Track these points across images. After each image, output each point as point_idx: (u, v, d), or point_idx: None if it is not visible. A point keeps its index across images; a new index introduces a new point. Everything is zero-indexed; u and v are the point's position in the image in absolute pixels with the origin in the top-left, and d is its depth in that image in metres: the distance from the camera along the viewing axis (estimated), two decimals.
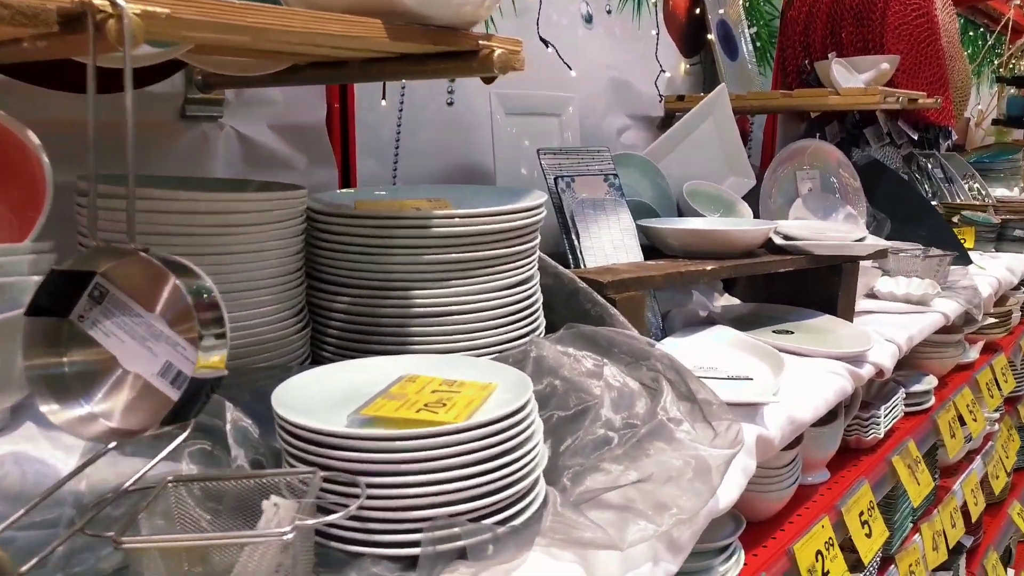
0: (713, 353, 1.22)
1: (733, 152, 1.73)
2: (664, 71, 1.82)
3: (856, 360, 1.22)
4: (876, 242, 1.43)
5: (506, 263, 0.97)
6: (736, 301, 1.60)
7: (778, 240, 1.39)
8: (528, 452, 0.68)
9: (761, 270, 1.31)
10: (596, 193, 1.31)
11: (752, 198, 1.82)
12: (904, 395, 1.56)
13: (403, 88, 1.32)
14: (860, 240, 1.43)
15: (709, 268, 1.23)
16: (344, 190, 1.11)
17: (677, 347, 1.23)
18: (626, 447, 0.78)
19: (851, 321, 1.45)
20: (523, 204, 0.97)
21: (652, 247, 1.35)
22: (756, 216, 1.80)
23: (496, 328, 0.96)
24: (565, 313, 1.13)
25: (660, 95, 1.80)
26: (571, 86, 1.61)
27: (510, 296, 0.97)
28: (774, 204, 1.83)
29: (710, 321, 1.40)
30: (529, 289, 1.01)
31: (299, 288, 0.94)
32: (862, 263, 1.48)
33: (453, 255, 0.92)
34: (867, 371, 1.23)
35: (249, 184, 1.02)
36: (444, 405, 0.69)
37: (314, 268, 0.97)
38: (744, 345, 1.23)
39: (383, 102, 1.28)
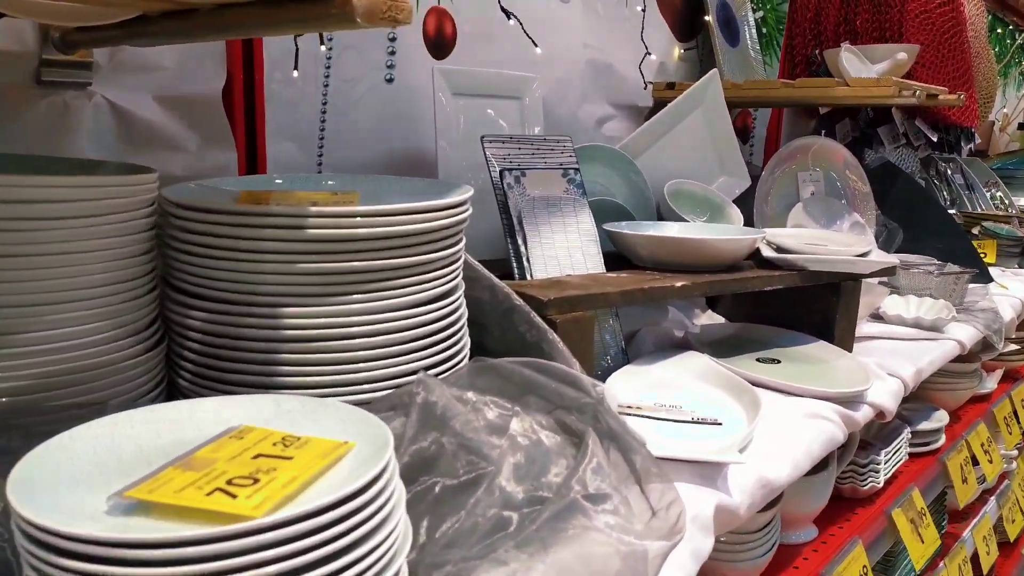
0: (680, 386, 1.02)
1: (725, 148, 1.53)
2: (649, 53, 1.61)
3: (851, 402, 1.02)
4: (883, 258, 1.22)
5: (412, 275, 0.77)
6: (720, 319, 1.40)
7: (767, 252, 1.19)
8: (368, 557, 0.48)
9: (741, 288, 1.11)
10: (552, 190, 1.11)
11: (747, 201, 1.62)
12: (910, 435, 1.35)
13: (328, 58, 1.12)
14: (864, 254, 1.22)
15: (679, 285, 1.03)
16: (231, 178, 0.91)
17: (637, 377, 1.03)
18: (525, 533, 0.58)
19: (850, 349, 1.24)
20: (436, 202, 0.78)
21: (621, 256, 1.15)
22: (750, 222, 1.60)
23: (397, 357, 0.77)
24: (500, 335, 0.93)
25: (645, 81, 1.60)
26: (539, 66, 1.41)
27: (416, 316, 0.78)
28: (771, 209, 1.63)
29: (685, 344, 1.20)
30: (442, 309, 0.81)
31: (145, 299, 0.75)
32: (866, 280, 1.27)
33: (336, 264, 0.72)
34: (864, 414, 1.02)
35: (101, 167, 0.83)
36: (256, 482, 0.50)
37: (169, 274, 0.78)
38: (718, 378, 1.03)
39: (295, 73, 1.08)
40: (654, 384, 1.01)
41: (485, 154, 1.07)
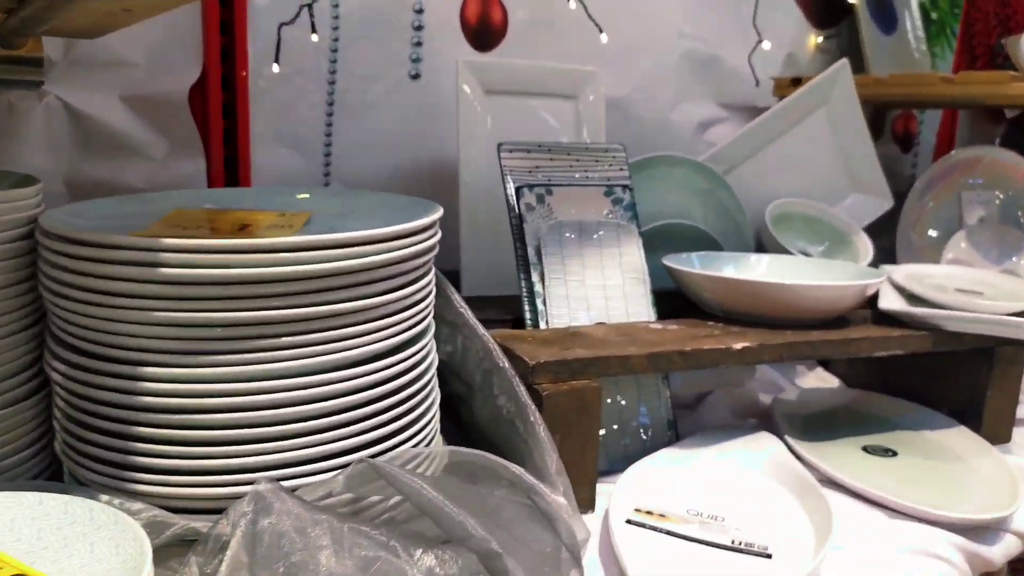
0: (733, 485, 0.75)
1: (858, 159, 1.21)
2: (762, 40, 1.31)
3: (984, 531, 0.71)
4: None
5: (328, 328, 0.58)
6: (832, 381, 1.09)
7: (887, 303, 0.88)
8: None
9: (835, 353, 0.81)
10: (588, 213, 0.87)
11: (891, 229, 1.29)
12: None
13: (334, 50, 0.95)
14: None
15: (738, 348, 0.76)
16: (170, 192, 0.75)
17: (675, 467, 0.77)
18: None
19: (1007, 438, 0.91)
20: (359, 234, 0.58)
21: (690, 301, 0.89)
22: (891, 257, 1.27)
23: (307, 436, 0.57)
24: (480, 406, 0.72)
25: (755, 76, 1.30)
26: (618, 60, 1.17)
27: (322, 386, 0.58)
28: (922, 239, 1.28)
29: (768, 416, 0.92)
30: (375, 374, 0.61)
31: (10, 340, 0.61)
32: None
33: (205, 313, 0.54)
34: (1004, 550, 0.71)
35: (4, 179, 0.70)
36: None
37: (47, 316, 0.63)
38: (791, 477, 0.75)
39: (275, 67, 0.91)
40: (696, 479, 0.75)
41: (501, 166, 0.85)
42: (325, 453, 0.58)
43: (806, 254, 1.14)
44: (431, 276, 0.69)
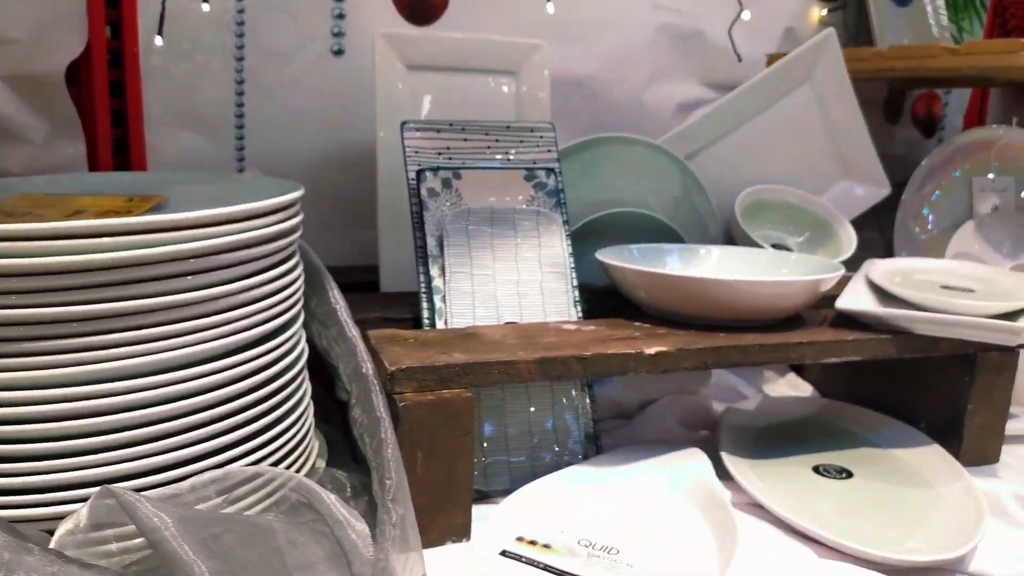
0: (642, 512, 0.65)
1: (849, 140, 1.08)
2: (743, 10, 1.18)
3: (933, 572, 0.59)
4: None
5: (150, 324, 0.50)
6: (804, 388, 0.97)
7: (845, 303, 0.76)
8: None
9: (770, 358, 0.70)
10: (505, 199, 0.78)
11: (888, 217, 1.16)
12: None
13: (240, 23, 0.87)
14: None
15: (651, 352, 0.65)
16: (18, 179, 0.69)
17: (577, 489, 0.67)
18: None
19: (994, 458, 0.78)
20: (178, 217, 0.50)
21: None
22: (889, 252, 1.14)
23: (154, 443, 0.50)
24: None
25: (736, 51, 1.18)
26: (583, 35, 1.07)
27: (162, 387, 0.51)
28: (924, 230, 1.15)
29: (714, 427, 0.81)
30: (220, 374, 0.53)
31: None
32: None
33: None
34: None
35: None
36: None
37: None
38: (710, 505, 0.64)
39: (158, 39, 0.84)
40: (599, 504, 0.65)
41: (403, 147, 0.76)
42: (152, 466, 0.51)
43: (782, 246, 1.02)
44: (289, 266, 0.61)
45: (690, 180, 0.97)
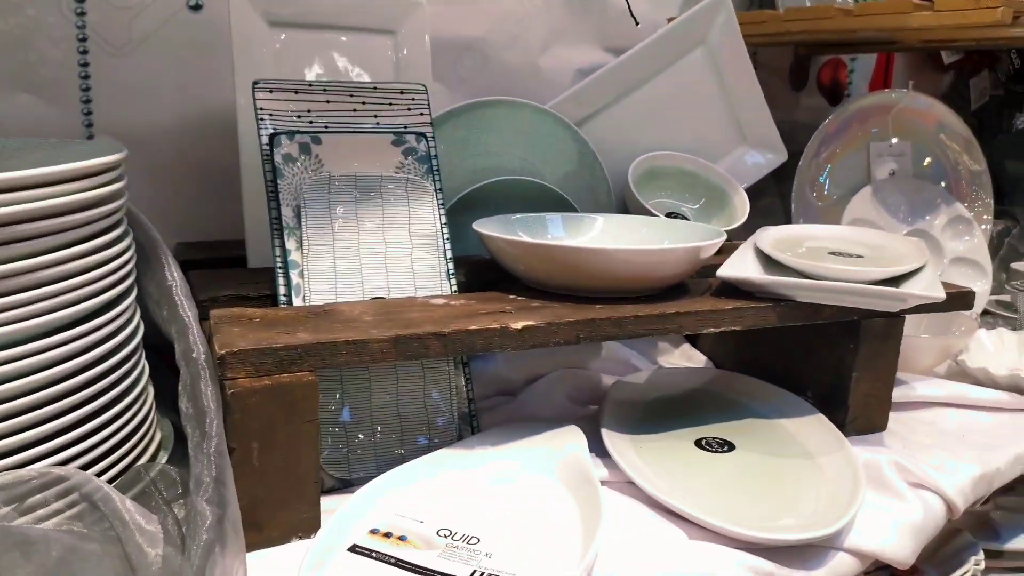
0: (510, 496, 0.61)
1: (746, 107, 1.06)
2: None
3: (806, 553, 0.57)
4: (932, 284, 0.73)
5: None
6: (699, 358, 0.95)
7: (727, 271, 0.74)
8: None
9: (646, 330, 0.66)
10: (372, 166, 0.72)
11: (789, 185, 1.14)
12: (983, 560, 0.84)
13: None
14: (911, 273, 0.74)
15: (517, 327, 0.61)
16: None
17: (439, 472, 0.63)
18: None
19: (882, 425, 0.77)
20: None
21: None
22: (788, 220, 1.12)
23: None
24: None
25: (632, 14, 1.14)
26: None
27: None
28: (822, 197, 1.14)
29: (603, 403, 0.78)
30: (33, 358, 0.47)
31: None
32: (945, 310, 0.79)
33: None
34: (833, 572, 0.57)
35: None
36: None
37: None
38: (581, 485, 0.61)
39: None
40: (464, 489, 0.61)
41: (256, 108, 0.70)
42: None
43: (677, 215, 0.99)
44: (111, 237, 0.55)
45: (582, 146, 0.93)
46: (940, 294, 0.69)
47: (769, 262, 0.77)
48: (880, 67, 1.63)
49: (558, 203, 0.88)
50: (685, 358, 0.95)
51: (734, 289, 0.73)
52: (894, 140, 1.16)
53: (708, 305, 0.69)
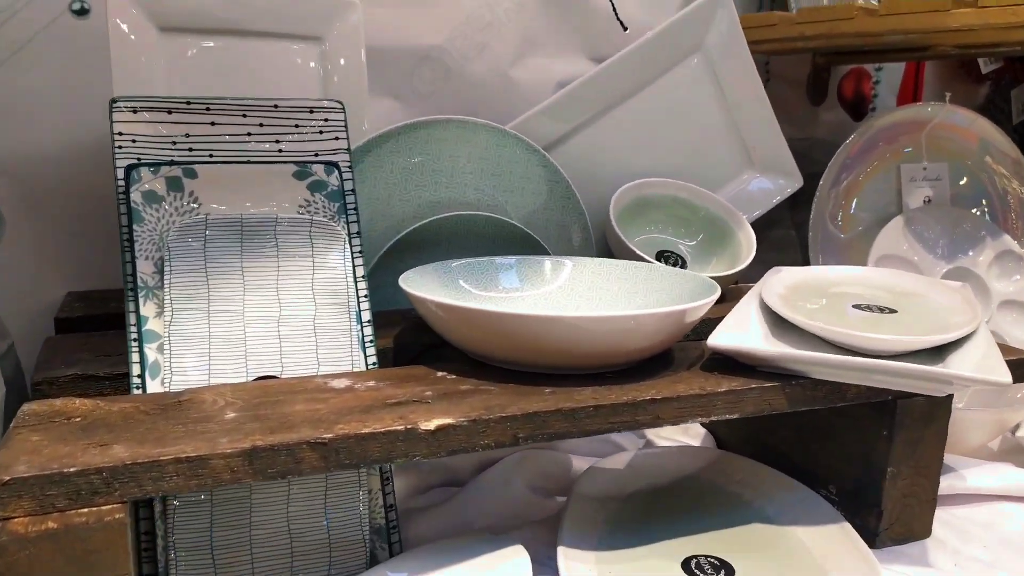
0: None
1: (752, 125, 0.90)
2: None
3: None
4: (992, 363, 0.56)
5: None
6: (698, 431, 0.79)
7: (725, 340, 0.57)
8: None
9: (610, 426, 0.50)
10: (266, 204, 0.57)
11: (805, 213, 0.98)
12: None
13: None
14: (959, 342, 0.57)
15: (428, 428, 0.45)
16: None
17: None
18: None
19: (923, 534, 0.60)
20: None
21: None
22: (805, 256, 0.96)
23: None
24: None
25: (620, 20, 0.97)
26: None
27: None
28: (845, 228, 0.97)
29: (571, 496, 0.61)
30: None
31: None
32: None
33: None
34: None
35: None
36: None
37: None
38: None
39: None
40: None
41: (112, 134, 0.55)
42: None
43: (670, 254, 0.83)
44: None
45: (552, 173, 0.77)
46: (1003, 377, 0.52)
47: (778, 320, 0.61)
48: (909, 77, 1.46)
49: (523, 242, 0.72)
50: (680, 429, 0.78)
51: (729, 360, 0.57)
52: (928, 162, 0.99)
53: (695, 386, 0.52)
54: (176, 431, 0.43)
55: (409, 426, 0.45)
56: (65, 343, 0.60)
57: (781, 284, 0.67)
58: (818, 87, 1.39)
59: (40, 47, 0.71)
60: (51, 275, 0.76)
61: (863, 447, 0.60)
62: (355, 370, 0.55)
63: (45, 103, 0.72)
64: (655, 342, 0.54)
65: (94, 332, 0.65)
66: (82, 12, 0.71)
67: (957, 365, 0.54)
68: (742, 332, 0.58)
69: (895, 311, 0.64)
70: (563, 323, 0.50)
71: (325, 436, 0.43)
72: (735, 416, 0.53)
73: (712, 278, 0.64)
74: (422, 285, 0.58)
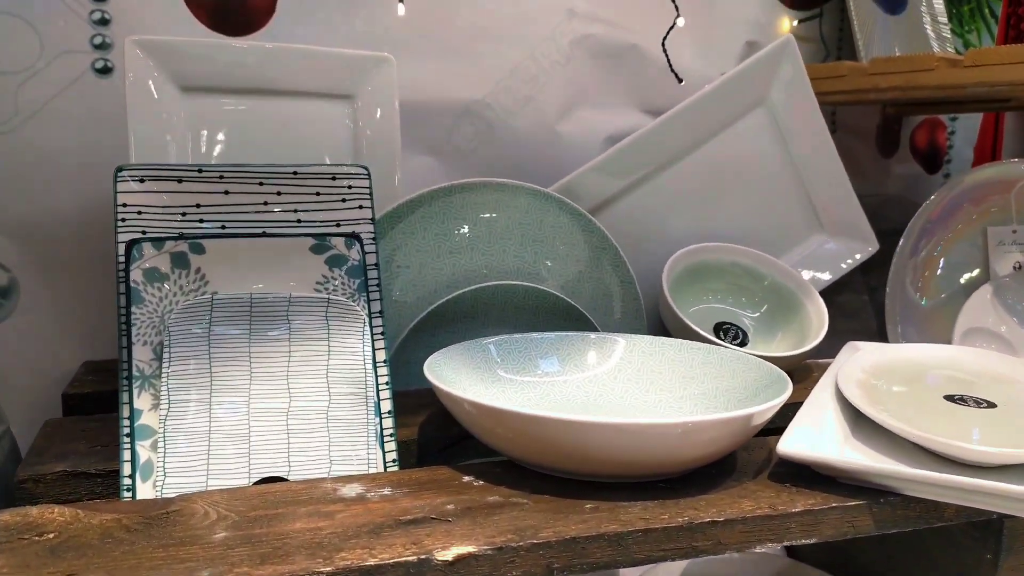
0: None
1: (820, 182, 0.82)
2: (679, 14, 0.92)
3: None
4: None
5: None
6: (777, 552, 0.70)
7: (798, 448, 0.49)
8: None
9: (659, 554, 0.43)
10: (281, 284, 0.52)
11: (877, 278, 0.89)
12: None
13: None
14: None
15: (446, 559, 0.38)
16: None
17: None
18: None
19: None
20: None
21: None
22: (881, 324, 0.87)
23: None
24: None
25: (672, 69, 0.91)
26: (449, 44, 0.82)
27: None
28: (926, 296, 0.88)
29: None
30: None
31: None
32: None
33: None
34: None
35: None
36: None
37: None
38: None
39: None
40: None
41: (115, 205, 0.50)
42: None
43: (731, 326, 0.76)
44: None
45: (598, 239, 0.71)
46: None
47: (859, 415, 0.53)
48: (988, 127, 1.37)
49: (566, 314, 0.66)
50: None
51: (804, 469, 0.49)
52: (1019, 224, 0.89)
53: (764, 504, 0.44)
54: (155, 557, 0.37)
55: (423, 556, 0.38)
56: (63, 428, 0.56)
57: (859, 367, 0.59)
58: (889, 138, 1.30)
59: (61, 107, 0.68)
60: (67, 344, 0.72)
61: (963, 571, 0.51)
62: (371, 471, 0.49)
63: (63, 165, 0.69)
64: (715, 450, 0.46)
65: (99, 413, 0.60)
66: (105, 71, 0.67)
67: None
68: (817, 433, 0.50)
69: (994, 405, 0.55)
70: (609, 430, 0.43)
71: (323, 570, 0.37)
72: (811, 541, 0.45)
73: (780, 357, 0.56)
74: (451, 370, 0.52)
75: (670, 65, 0.89)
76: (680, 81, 0.90)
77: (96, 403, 0.62)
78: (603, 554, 0.41)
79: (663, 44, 0.90)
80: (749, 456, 0.52)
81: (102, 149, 0.69)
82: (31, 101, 0.67)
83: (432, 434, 0.56)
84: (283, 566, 0.37)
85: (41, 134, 0.67)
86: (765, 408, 0.46)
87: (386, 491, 0.45)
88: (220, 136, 0.64)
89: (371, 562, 0.38)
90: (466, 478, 0.47)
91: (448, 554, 0.38)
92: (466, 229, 0.68)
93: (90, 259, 0.71)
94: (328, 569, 0.37)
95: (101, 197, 0.70)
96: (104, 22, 0.67)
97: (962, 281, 0.88)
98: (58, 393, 0.69)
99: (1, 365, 0.69)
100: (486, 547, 0.39)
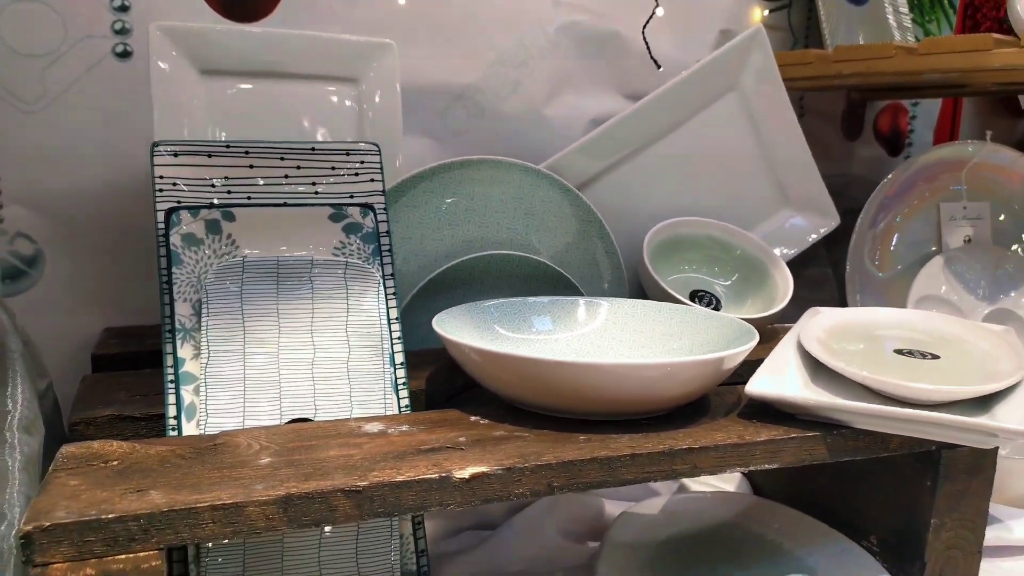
0: None
1: (787, 163, 0.89)
2: (658, 4, 0.98)
3: None
4: None
5: None
6: (733, 476, 0.77)
7: (763, 388, 0.56)
8: None
9: (645, 475, 0.49)
10: (302, 246, 0.57)
11: (842, 250, 0.97)
12: None
13: None
14: (1013, 386, 0.56)
15: (463, 476, 0.45)
16: None
17: None
18: None
19: None
20: None
21: None
22: (842, 294, 0.94)
23: None
24: None
25: (653, 57, 0.98)
26: (443, 32, 0.88)
27: None
28: (883, 268, 0.96)
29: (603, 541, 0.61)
30: None
31: None
32: None
33: None
34: None
35: None
36: None
37: None
38: None
39: None
40: None
41: (153, 177, 0.56)
42: None
43: (704, 293, 0.82)
44: None
45: (584, 212, 0.77)
46: None
47: (818, 366, 0.60)
48: (947, 112, 1.44)
49: (556, 281, 0.72)
50: (716, 476, 0.77)
51: (767, 407, 0.56)
52: (969, 200, 0.97)
53: (733, 435, 0.51)
54: (212, 476, 0.43)
55: (443, 474, 0.44)
56: (101, 382, 0.61)
57: (819, 327, 0.66)
58: (853, 122, 1.38)
59: (84, 88, 0.72)
60: (89, 311, 0.77)
61: (906, 497, 0.58)
62: (388, 413, 0.55)
63: (87, 143, 0.73)
64: (692, 389, 0.53)
65: (130, 370, 0.65)
66: (125, 55, 0.72)
67: (1004, 416, 0.52)
68: (781, 379, 0.57)
69: (938, 357, 0.62)
70: (599, 370, 0.50)
71: (360, 484, 0.43)
72: (774, 466, 0.51)
73: (748, 320, 0.63)
74: (456, 327, 0.58)
75: (649, 52, 0.96)
76: (659, 67, 0.97)
77: (125, 361, 0.68)
78: (596, 475, 0.48)
79: (643, 32, 0.97)
80: (721, 400, 0.58)
81: (122, 127, 0.74)
82: (57, 83, 0.71)
83: (438, 386, 0.62)
84: (324, 482, 0.43)
85: (66, 114, 0.72)
86: (735, 352, 0.52)
87: (404, 428, 0.51)
88: (234, 115, 0.69)
89: (400, 478, 0.44)
90: (473, 418, 0.54)
91: (465, 472, 0.45)
92: (463, 203, 0.74)
93: (109, 231, 0.76)
94: (364, 483, 0.43)
95: (121, 172, 0.75)
96: (124, 8, 0.72)
97: (916, 253, 0.96)
98: (81, 357, 0.74)
99: (28, 330, 0.74)
100: (497, 467, 0.46)
